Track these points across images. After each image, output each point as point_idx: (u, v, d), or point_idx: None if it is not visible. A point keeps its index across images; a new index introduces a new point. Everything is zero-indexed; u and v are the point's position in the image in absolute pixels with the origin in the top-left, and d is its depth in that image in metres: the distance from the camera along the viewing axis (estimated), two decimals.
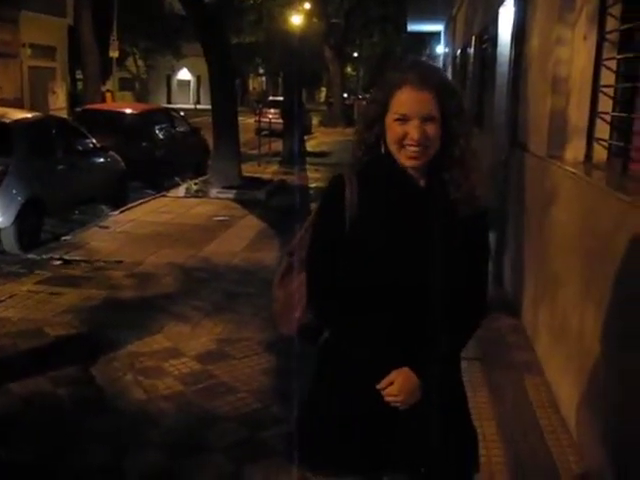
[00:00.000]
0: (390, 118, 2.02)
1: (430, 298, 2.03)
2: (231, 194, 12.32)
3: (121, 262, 7.66)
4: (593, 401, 3.68)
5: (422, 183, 2.08)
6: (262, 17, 28.98)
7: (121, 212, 10.61)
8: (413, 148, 2.00)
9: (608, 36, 4.47)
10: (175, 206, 11.42)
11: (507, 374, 4.88)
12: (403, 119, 1.99)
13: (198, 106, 46.87)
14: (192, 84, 56.17)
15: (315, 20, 28.90)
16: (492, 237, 7.15)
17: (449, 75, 18.66)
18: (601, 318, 3.56)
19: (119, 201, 11.17)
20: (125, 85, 43.51)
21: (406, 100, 1.99)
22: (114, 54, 29.40)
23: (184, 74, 54.98)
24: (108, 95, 30.15)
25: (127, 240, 8.79)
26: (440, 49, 26.04)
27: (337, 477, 2.20)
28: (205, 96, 51.21)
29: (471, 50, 12.37)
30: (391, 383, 2.04)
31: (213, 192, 12.51)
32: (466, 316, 2.11)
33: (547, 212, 5.01)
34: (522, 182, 6.07)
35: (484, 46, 10.75)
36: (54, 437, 3.94)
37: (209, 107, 13.96)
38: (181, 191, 12.86)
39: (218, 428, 4.06)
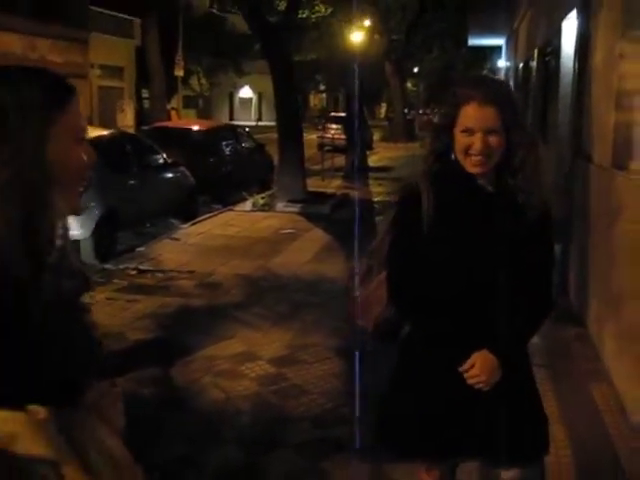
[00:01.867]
0: (457, 130, 2.25)
1: (501, 292, 2.23)
2: (296, 208, 12.57)
3: (192, 272, 7.96)
4: None
5: (490, 189, 2.29)
6: (323, 34, 29.41)
7: (191, 225, 10.98)
8: (477, 157, 2.21)
9: None
10: (242, 220, 11.73)
11: (574, 381, 4.95)
12: (468, 131, 2.21)
13: (260, 123, 47.54)
14: (254, 101, 56.98)
15: (376, 36, 29.15)
16: (557, 248, 7.22)
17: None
18: None
19: (189, 214, 11.55)
20: (189, 102, 44.42)
21: (471, 115, 2.21)
22: (179, 73, 30.16)
23: (246, 91, 55.77)
24: (173, 113, 30.95)
25: (197, 252, 9.11)
26: (501, 63, 26.00)
27: (419, 462, 2.42)
28: (266, 113, 51.88)
29: (534, 63, 12.40)
30: (472, 366, 2.22)
31: (279, 206, 12.80)
32: (533, 308, 2.31)
33: (612, 222, 5.07)
34: (587, 193, 6.13)
35: (547, 59, 10.80)
36: (138, 433, 4.17)
37: (271, 124, 14.32)
38: (248, 205, 13.21)
39: (292, 427, 4.26)
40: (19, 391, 1.27)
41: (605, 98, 5.60)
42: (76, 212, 1.44)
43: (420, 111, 50.53)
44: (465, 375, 2.23)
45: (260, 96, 54.05)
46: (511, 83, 19.28)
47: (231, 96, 55.19)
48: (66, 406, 1.33)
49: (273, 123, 14.87)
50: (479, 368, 2.22)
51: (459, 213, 2.27)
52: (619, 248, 4.92)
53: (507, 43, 22.47)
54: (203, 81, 47.19)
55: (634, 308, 4.42)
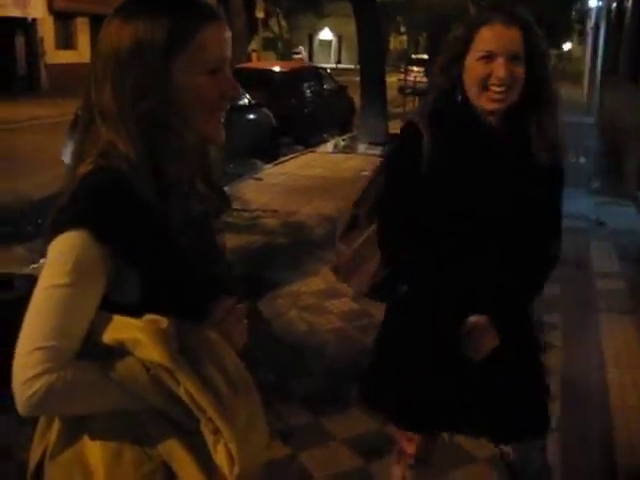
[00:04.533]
0: (472, 57, 1.91)
1: (500, 242, 1.99)
2: (378, 150, 12.48)
3: (276, 211, 8.11)
4: None
5: (500, 130, 1.97)
6: None
7: (274, 166, 11.13)
8: (497, 88, 1.88)
9: None
10: (324, 161, 11.80)
11: None
12: (488, 57, 1.88)
13: (339, 65, 47.19)
14: (333, 44, 56.47)
15: None
16: None
17: (603, 30, 17.98)
18: None
19: (271, 155, 11.67)
20: (268, 45, 44.37)
21: (493, 36, 1.87)
22: (260, 14, 30.08)
23: (325, 34, 55.31)
24: (254, 55, 31.01)
25: (280, 192, 9.24)
26: (593, 3, 24.97)
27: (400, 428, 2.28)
28: (346, 55, 51.45)
29: (629, 4, 11.92)
30: (469, 333, 1.98)
31: (360, 148, 12.82)
32: (533, 266, 2.04)
33: None
34: None
35: None
36: None
37: (350, 66, 14.23)
38: (329, 147, 13.29)
39: None
40: (149, 301, 1.32)
41: None
42: (216, 141, 1.44)
43: None
44: (463, 343, 1.98)
45: (340, 39, 53.56)
46: (603, 24, 18.58)
47: (310, 38, 54.85)
48: (193, 319, 1.36)
49: (352, 66, 14.75)
50: (476, 338, 1.97)
51: (461, 158, 1.95)
52: None
53: None
54: (283, 23, 47.03)
55: None
